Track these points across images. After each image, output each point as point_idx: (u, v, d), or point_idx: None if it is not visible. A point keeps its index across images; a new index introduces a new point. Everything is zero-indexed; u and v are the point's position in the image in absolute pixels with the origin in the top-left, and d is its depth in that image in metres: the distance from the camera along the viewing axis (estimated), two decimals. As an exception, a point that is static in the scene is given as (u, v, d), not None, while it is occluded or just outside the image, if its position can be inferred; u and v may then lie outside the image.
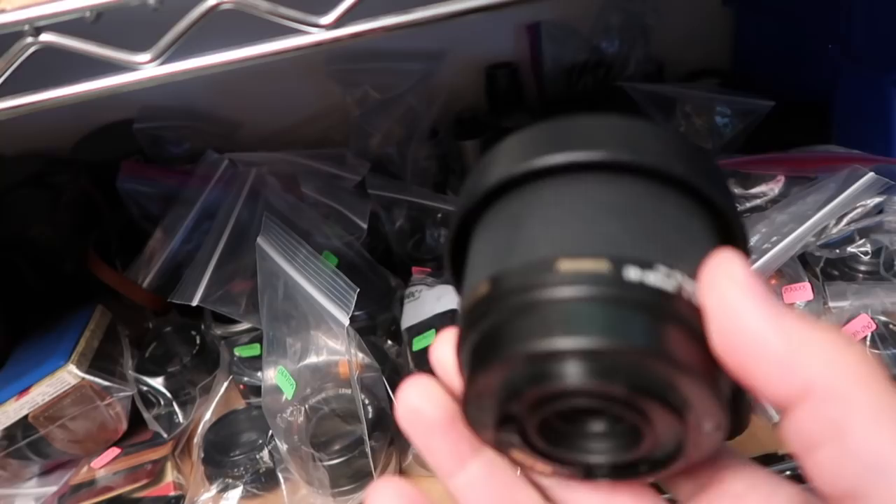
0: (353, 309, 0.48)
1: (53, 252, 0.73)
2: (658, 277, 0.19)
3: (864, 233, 0.61)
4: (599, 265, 0.19)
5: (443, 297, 0.65)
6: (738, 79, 0.92)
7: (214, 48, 0.33)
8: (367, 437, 0.51)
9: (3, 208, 0.74)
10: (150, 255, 0.70)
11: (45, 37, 0.28)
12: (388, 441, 0.56)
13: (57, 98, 0.30)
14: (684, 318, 0.19)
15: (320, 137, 0.90)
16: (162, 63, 0.30)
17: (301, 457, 0.54)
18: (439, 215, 0.75)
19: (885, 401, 0.17)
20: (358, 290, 0.49)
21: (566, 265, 0.19)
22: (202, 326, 0.69)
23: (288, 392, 0.54)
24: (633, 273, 0.19)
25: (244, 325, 0.66)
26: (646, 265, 0.19)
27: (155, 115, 0.81)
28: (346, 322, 0.48)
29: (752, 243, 0.60)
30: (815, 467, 0.18)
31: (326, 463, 0.53)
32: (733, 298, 0.18)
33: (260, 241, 0.56)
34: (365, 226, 0.70)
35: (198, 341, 0.68)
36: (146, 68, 0.30)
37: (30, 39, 0.28)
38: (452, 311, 0.63)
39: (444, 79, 0.88)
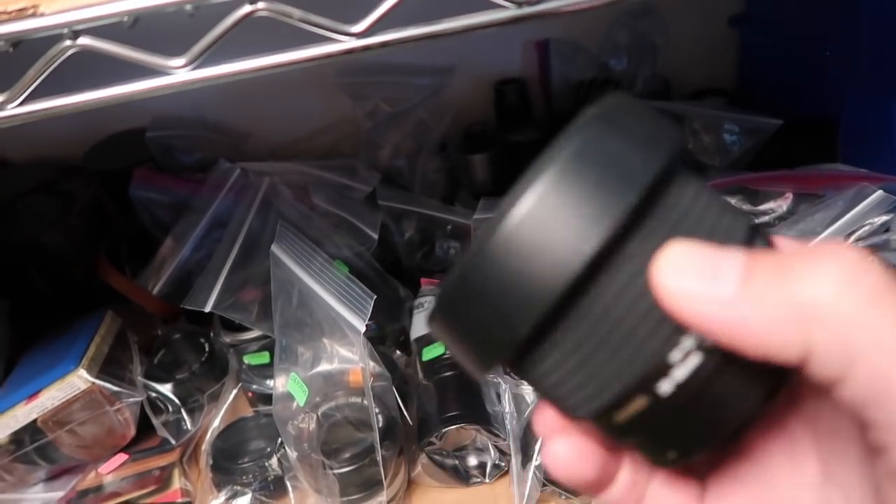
0: (369, 316, 0.49)
1: (64, 258, 0.74)
2: None
3: (870, 251, 0.61)
4: None
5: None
6: (743, 98, 0.93)
7: (238, 56, 0.33)
8: (378, 446, 0.51)
9: (14, 214, 0.74)
10: (160, 263, 0.70)
11: (83, 40, 0.29)
12: (398, 451, 0.56)
13: (92, 101, 0.30)
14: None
15: (329, 149, 0.91)
16: (195, 68, 0.30)
17: (311, 464, 0.54)
18: (449, 227, 0.75)
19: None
20: (375, 296, 0.49)
21: None
22: (211, 334, 0.70)
23: (300, 399, 0.54)
24: None
25: (253, 334, 0.66)
26: None
27: (167, 124, 0.82)
28: (363, 328, 0.48)
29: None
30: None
31: (337, 471, 0.53)
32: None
33: (274, 248, 0.57)
34: (376, 236, 0.71)
35: (206, 349, 0.68)
36: (180, 73, 0.30)
37: (68, 42, 0.28)
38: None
39: (453, 93, 0.89)
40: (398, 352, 0.67)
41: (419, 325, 0.67)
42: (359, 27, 0.30)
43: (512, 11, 0.31)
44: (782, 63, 0.86)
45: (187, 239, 0.71)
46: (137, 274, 0.70)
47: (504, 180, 0.90)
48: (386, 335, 0.67)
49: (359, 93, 0.88)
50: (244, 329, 0.66)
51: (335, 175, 0.78)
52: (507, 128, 0.91)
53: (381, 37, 0.31)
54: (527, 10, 0.31)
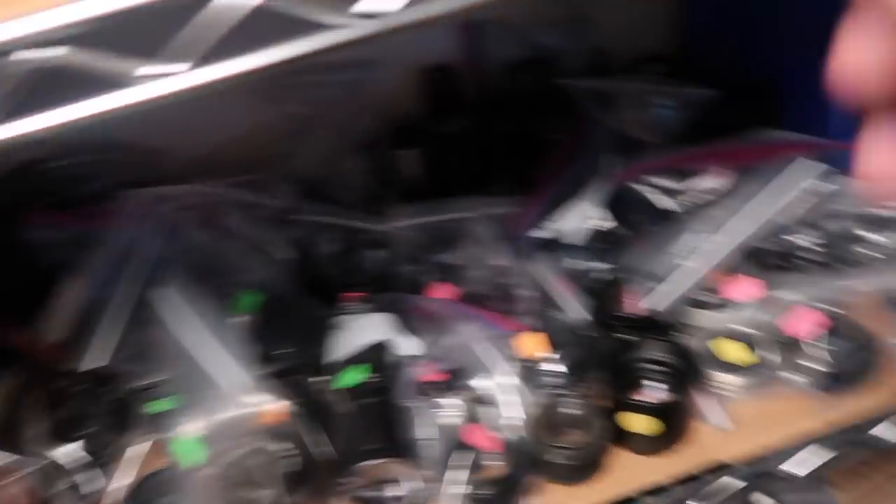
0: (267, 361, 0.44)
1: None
2: None
3: (811, 223, 0.56)
4: None
5: (368, 328, 0.60)
6: (688, 63, 0.87)
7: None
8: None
9: None
10: (59, 306, 0.65)
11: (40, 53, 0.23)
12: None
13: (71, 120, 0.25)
14: None
15: (251, 159, 0.85)
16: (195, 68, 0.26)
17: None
18: (372, 237, 0.70)
19: None
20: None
21: None
22: (114, 382, 0.64)
23: (198, 458, 0.49)
24: None
25: (158, 378, 0.61)
26: None
27: (66, 151, 0.76)
28: (251, 383, 0.44)
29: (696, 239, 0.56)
30: None
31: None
32: None
33: (160, 295, 0.52)
34: (291, 256, 0.66)
35: (110, 398, 0.62)
36: (182, 76, 0.26)
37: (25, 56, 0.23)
38: (380, 345, 0.59)
39: (376, 87, 0.83)
40: (314, 377, 0.61)
41: (335, 347, 0.62)
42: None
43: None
44: (727, 24, 0.80)
45: (87, 278, 0.65)
46: (29, 322, 0.64)
47: (438, 174, 0.84)
48: (303, 361, 0.61)
49: (274, 96, 0.82)
50: (148, 374, 0.61)
51: (247, 194, 0.72)
52: (438, 119, 0.85)
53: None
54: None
